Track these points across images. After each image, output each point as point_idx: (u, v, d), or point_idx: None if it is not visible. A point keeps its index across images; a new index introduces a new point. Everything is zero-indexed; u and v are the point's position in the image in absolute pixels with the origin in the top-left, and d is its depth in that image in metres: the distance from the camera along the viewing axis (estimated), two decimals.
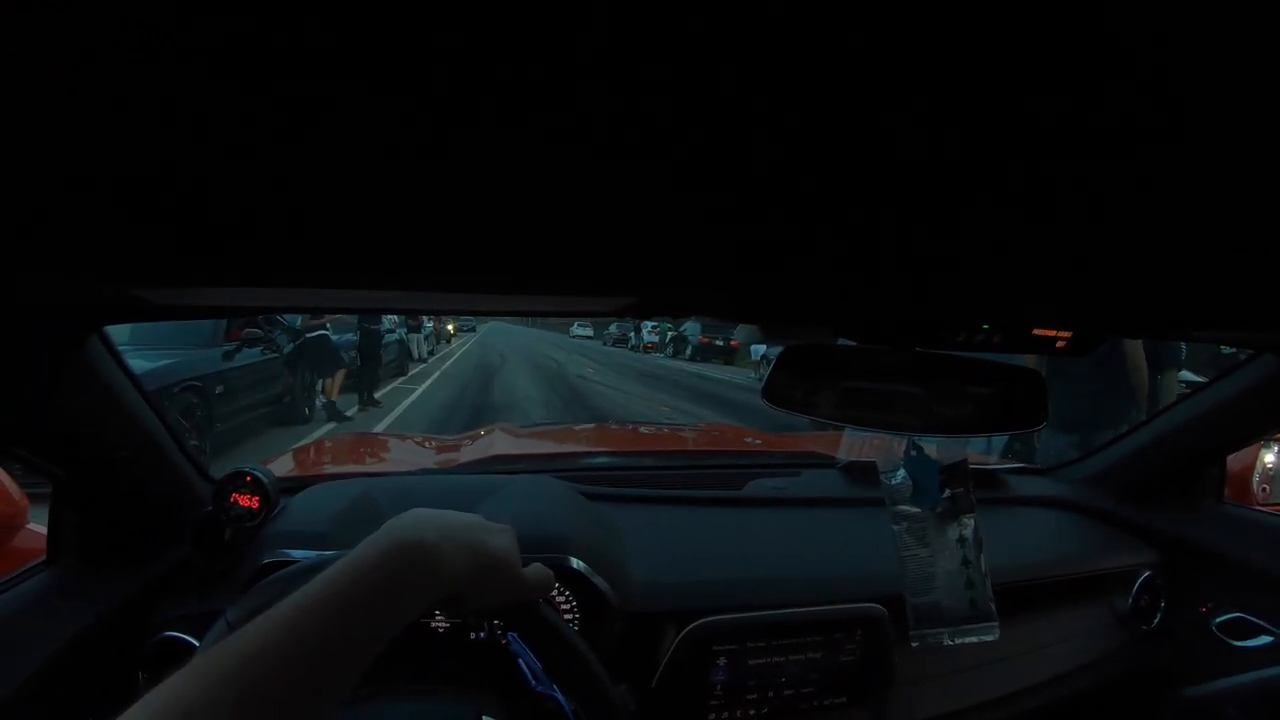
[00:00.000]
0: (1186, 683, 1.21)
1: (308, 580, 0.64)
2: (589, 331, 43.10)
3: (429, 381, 11.48)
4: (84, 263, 0.40)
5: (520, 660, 0.71)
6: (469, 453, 1.57)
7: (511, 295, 0.50)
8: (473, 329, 47.67)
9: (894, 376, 0.65)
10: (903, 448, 0.81)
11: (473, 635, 0.93)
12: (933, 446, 0.75)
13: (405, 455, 1.76)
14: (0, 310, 0.55)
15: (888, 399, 0.65)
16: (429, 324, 17.55)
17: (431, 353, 17.26)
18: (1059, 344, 0.64)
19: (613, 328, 31.99)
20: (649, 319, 0.63)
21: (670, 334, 23.64)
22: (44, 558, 0.90)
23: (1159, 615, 1.27)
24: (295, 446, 1.76)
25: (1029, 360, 1.83)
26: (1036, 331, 0.63)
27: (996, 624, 0.78)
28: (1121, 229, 0.39)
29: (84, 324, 0.67)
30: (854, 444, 1.43)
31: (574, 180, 0.30)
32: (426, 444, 1.90)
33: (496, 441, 1.72)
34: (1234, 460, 1.35)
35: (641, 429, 2.46)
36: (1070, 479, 1.47)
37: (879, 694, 0.99)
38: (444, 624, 0.93)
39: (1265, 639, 1.16)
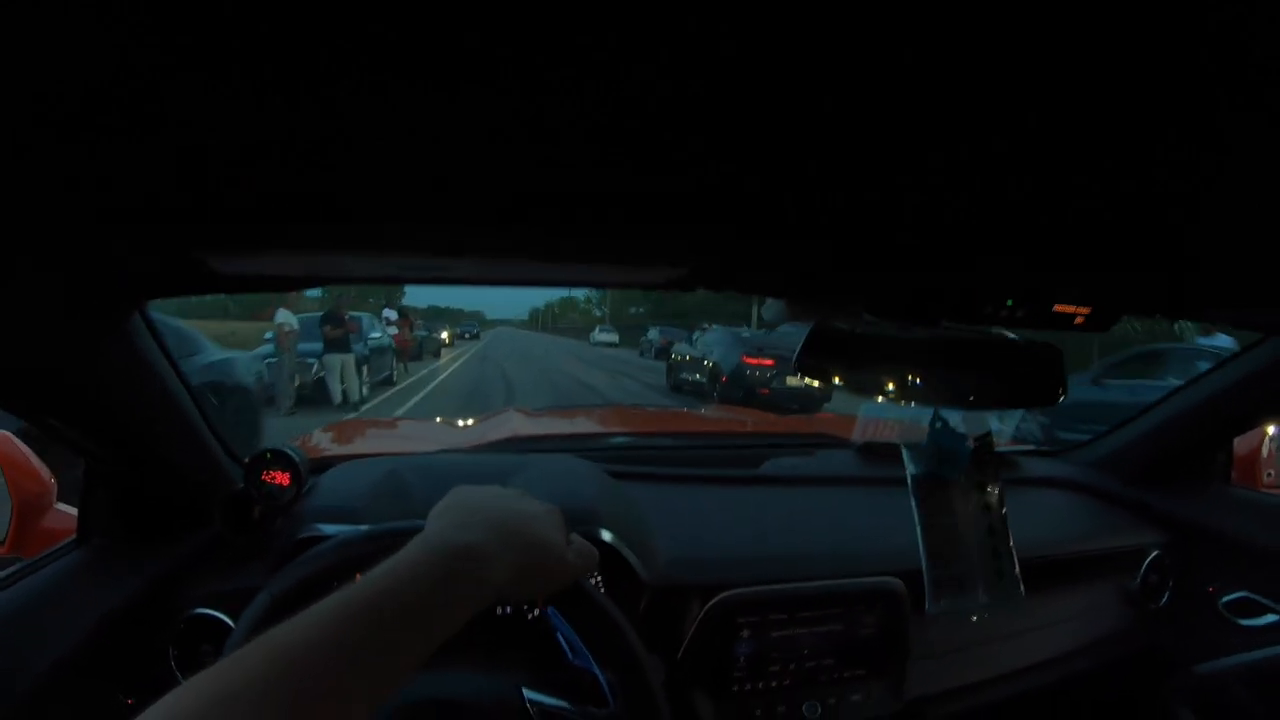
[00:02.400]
0: (1194, 660, 1.23)
1: (342, 553, 0.65)
2: (614, 337, 33.31)
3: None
4: (156, 222, 0.42)
5: (558, 634, 0.72)
6: (487, 432, 1.58)
7: (574, 264, 0.52)
8: (476, 335, 39.94)
9: (920, 350, 0.66)
10: (924, 423, 0.82)
11: (499, 610, 0.94)
12: (957, 419, 0.77)
13: (424, 435, 1.76)
14: (49, 280, 0.55)
15: (914, 372, 0.66)
16: (376, 333, 10.50)
17: (391, 380, 11.31)
18: (1077, 320, 0.66)
19: (652, 333, 21.20)
20: (693, 289, 0.64)
21: None
22: (74, 537, 0.90)
23: (1167, 594, 1.29)
24: (308, 434, 1.76)
25: None
26: (1058, 308, 0.65)
27: (1022, 595, 0.79)
28: (1142, 212, 0.41)
29: (130, 297, 0.68)
30: (868, 425, 1.45)
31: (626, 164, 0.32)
32: (442, 425, 1.90)
33: (512, 422, 1.74)
34: (1240, 443, 1.37)
35: (656, 410, 2.46)
36: (1080, 461, 1.49)
37: (896, 666, 1.01)
38: None
39: (1271, 618, 1.19)
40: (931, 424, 0.75)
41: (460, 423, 1.91)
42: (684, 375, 11.33)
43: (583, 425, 1.91)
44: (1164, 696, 1.26)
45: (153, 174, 0.32)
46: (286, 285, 0.67)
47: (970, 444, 0.76)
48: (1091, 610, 1.24)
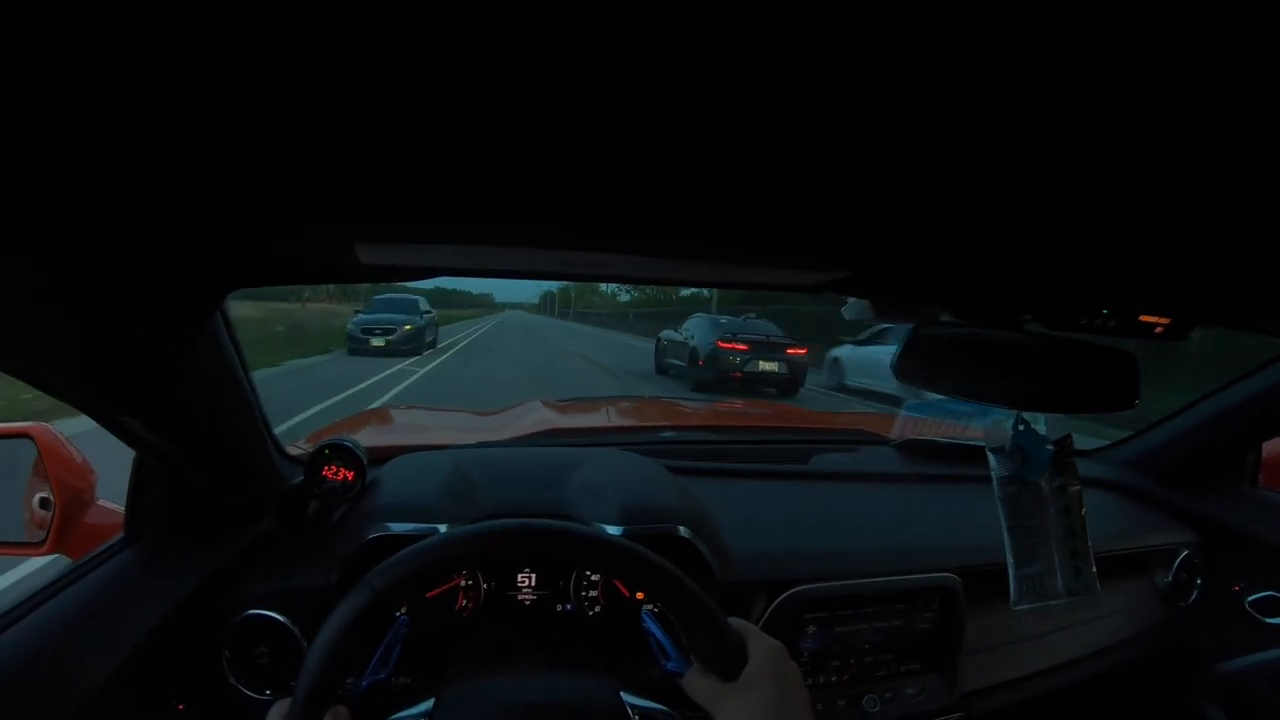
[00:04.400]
0: (1221, 656, 1.27)
1: (443, 552, 0.64)
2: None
3: None
4: (328, 215, 0.42)
5: (652, 639, 0.72)
6: (519, 425, 1.55)
7: (734, 265, 0.52)
8: (425, 340, 14.78)
9: (1006, 356, 0.67)
10: (961, 421, 0.83)
11: (559, 608, 0.94)
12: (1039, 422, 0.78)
13: (456, 425, 1.74)
14: (141, 273, 0.54)
15: (1000, 376, 0.67)
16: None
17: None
18: (1158, 329, 0.68)
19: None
20: (836, 291, 0.65)
21: None
22: (121, 535, 0.87)
23: (1196, 592, 1.33)
24: (335, 424, 1.73)
25: None
26: (1142, 318, 0.67)
27: (1099, 592, 0.81)
28: (1224, 233, 0.42)
29: (218, 291, 0.67)
30: (907, 423, 1.47)
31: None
32: (468, 415, 1.88)
33: (540, 412, 1.72)
34: (1269, 447, 1.40)
35: (682, 403, 2.44)
36: (1113, 461, 1.52)
37: (950, 661, 1.03)
38: (530, 596, 0.94)
39: None
40: (1014, 427, 0.76)
41: (484, 411, 1.89)
42: (669, 359, 11.71)
43: (613, 418, 1.90)
44: (1192, 692, 1.29)
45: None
46: (425, 275, 0.67)
47: (1051, 446, 0.77)
48: (1126, 607, 1.27)
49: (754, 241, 0.47)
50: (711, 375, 9.84)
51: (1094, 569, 0.81)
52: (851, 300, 0.77)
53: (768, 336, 10.27)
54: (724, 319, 11.17)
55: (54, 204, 0.36)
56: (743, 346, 9.88)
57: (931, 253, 0.53)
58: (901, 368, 0.68)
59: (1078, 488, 0.79)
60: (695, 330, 10.89)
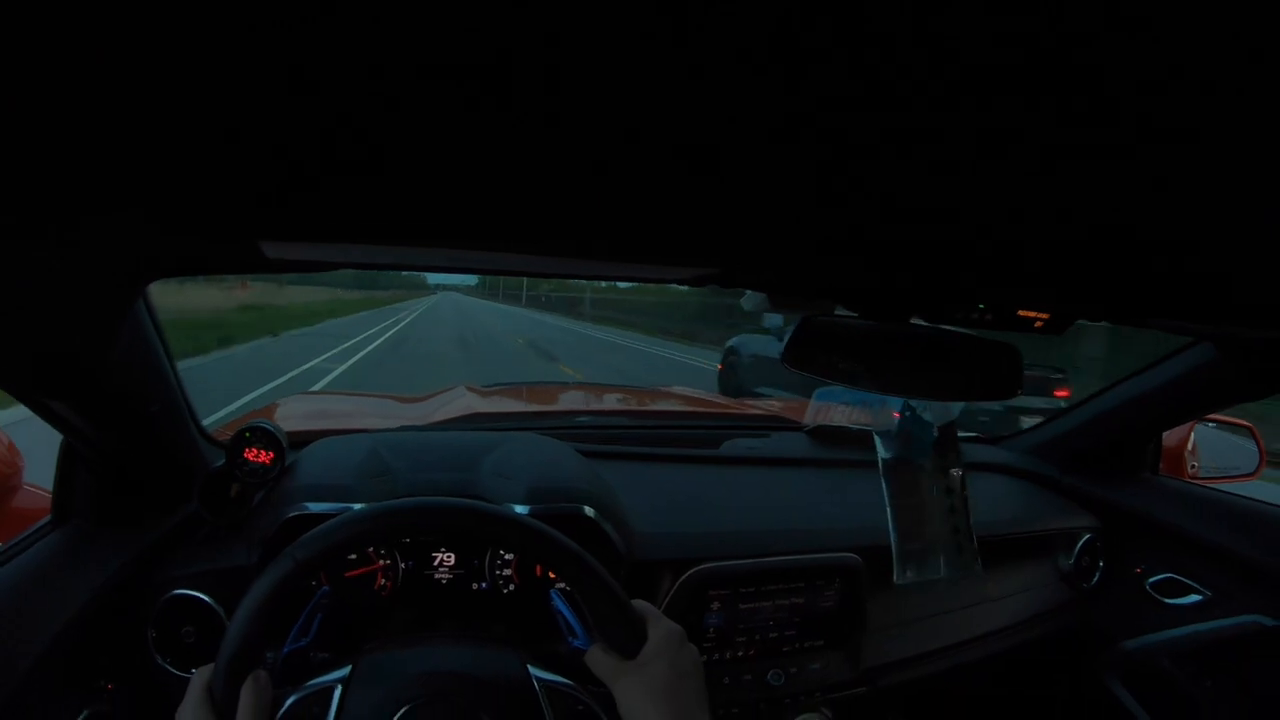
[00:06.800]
0: (1123, 635, 1.34)
1: (365, 525, 0.67)
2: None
3: None
4: (221, 214, 0.43)
5: (561, 617, 0.76)
6: (444, 410, 1.56)
7: (606, 261, 0.54)
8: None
9: (894, 346, 0.72)
10: (883, 411, 0.88)
11: (474, 586, 0.97)
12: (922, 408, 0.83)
13: (379, 411, 1.74)
14: (68, 256, 0.55)
15: (889, 365, 0.72)
16: None
17: None
18: (1037, 324, 0.72)
19: None
20: (714, 284, 0.67)
21: None
22: (48, 518, 0.88)
23: (1098, 574, 1.39)
24: (260, 409, 1.71)
25: None
26: (1020, 313, 0.71)
27: (979, 568, 0.86)
28: (1097, 234, 0.44)
29: (143, 276, 0.68)
30: (819, 409, 1.51)
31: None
32: (393, 401, 1.88)
33: (465, 398, 1.73)
34: (1169, 436, 1.47)
35: (605, 386, 2.47)
36: (1019, 448, 1.58)
37: (853, 638, 1.08)
38: (446, 575, 0.97)
39: (1195, 597, 1.29)
40: (902, 412, 0.81)
41: (409, 397, 1.90)
42: (759, 386, 7.12)
43: (536, 403, 1.92)
44: (1096, 669, 1.36)
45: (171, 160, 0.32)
46: (328, 268, 0.68)
47: (935, 432, 0.82)
48: (1029, 588, 1.33)
49: (638, 237, 0.49)
50: None
51: (975, 546, 0.86)
52: (749, 293, 0.81)
53: None
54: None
55: None
56: None
57: (820, 250, 0.56)
58: (791, 355, 0.71)
59: (959, 470, 0.84)
60: None
